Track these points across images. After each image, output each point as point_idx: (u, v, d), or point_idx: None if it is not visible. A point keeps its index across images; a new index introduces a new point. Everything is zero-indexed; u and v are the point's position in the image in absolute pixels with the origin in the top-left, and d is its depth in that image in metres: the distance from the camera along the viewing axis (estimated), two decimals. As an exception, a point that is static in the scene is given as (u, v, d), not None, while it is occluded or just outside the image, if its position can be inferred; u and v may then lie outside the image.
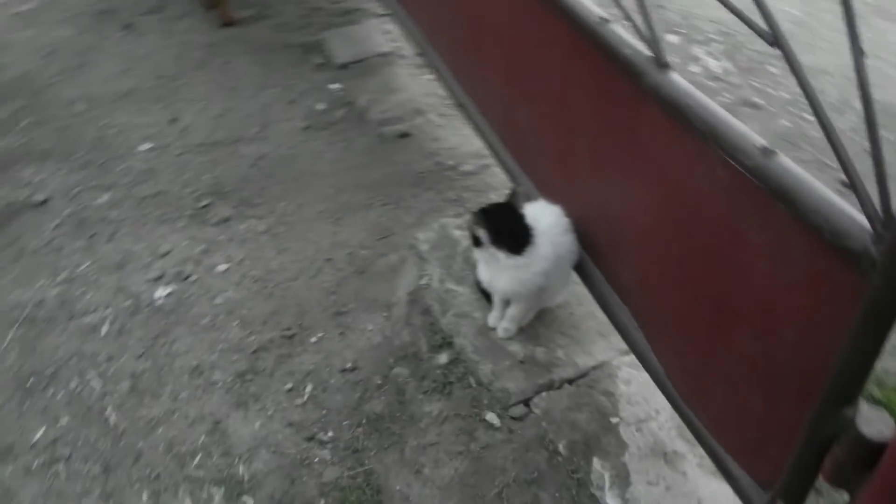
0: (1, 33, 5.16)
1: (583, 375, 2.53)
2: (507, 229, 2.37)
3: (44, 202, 3.77)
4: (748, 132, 1.59)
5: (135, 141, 4.12)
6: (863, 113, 1.20)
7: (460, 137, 3.74)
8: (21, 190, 3.88)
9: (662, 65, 1.81)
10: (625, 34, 1.97)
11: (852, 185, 1.31)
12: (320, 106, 4.17)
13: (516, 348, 2.63)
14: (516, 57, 2.71)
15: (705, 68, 4.61)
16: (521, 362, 2.59)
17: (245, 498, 2.39)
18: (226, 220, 3.51)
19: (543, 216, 2.44)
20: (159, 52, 4.85)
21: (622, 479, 2.23)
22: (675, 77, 1.79)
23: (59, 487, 2.51)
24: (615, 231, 2.33)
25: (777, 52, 1.40)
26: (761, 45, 1.62)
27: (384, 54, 4.61)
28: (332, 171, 3.71)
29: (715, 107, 1.68)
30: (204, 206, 3.61)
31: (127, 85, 4.57)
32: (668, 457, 2.27)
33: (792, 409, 1.62)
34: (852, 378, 1.43)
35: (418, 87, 4.24)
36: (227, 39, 4.91)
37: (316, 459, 2.46)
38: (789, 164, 1.50)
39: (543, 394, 2.50)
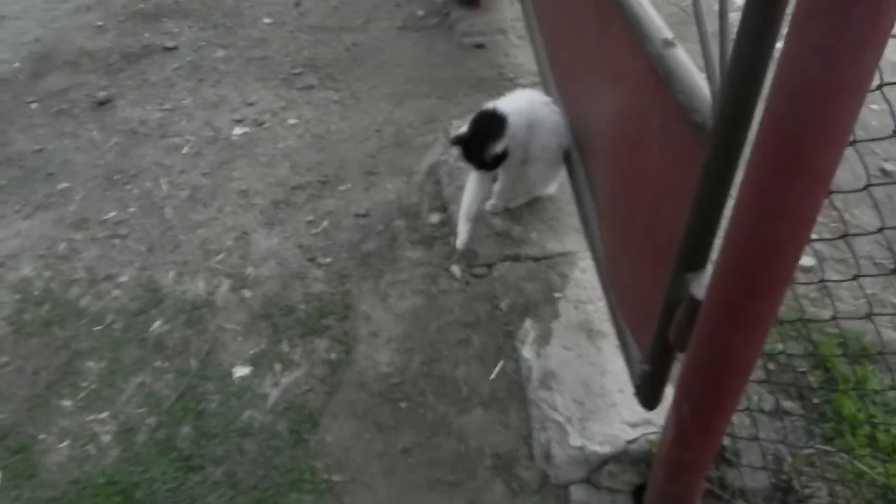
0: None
1: (547, 257, 2.61)
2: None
3: (173, 48, 4.07)
4: (660, 27, 1.64)
5: (260, 14, 4.37)
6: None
7: (527, 57, 3.80)
8: (159, 37, 4.19)
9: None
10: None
11: (706, 64, 1.36)
12: (420, 12, 4.30)
13: (497, 222, 2.73)
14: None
15: None
16: (497, 234, 2.69)
17: (245, 291, 2.61)
18: (309, 87, 3.71)
19: (521, 97, 2.59)
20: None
21: (543, 339, 2.32)
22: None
23: (111, 255, 2.80)
24: (593, 131, 2.39)
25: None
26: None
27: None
28: (408, 65, 3.85)
29: (646, 5, 1.73)
30: (296, 74, 3.82)
31: (269, -30, 4.80)
32: (591, 333, 2.34)
33: (665, 282, 1.69)
34: (695, 246, 1.49)
35: (511, 11, 4.30)
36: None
37: (310, 276, 2.66)
38: (681, 55, 1.54)
39: (507, 262, 2.60)
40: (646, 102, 1.73)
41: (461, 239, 2.61)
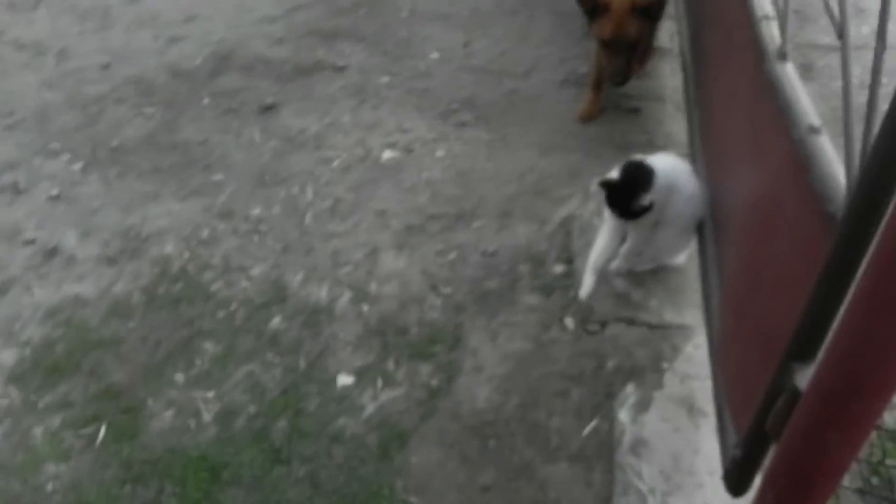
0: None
1: (662, 327, 2.60)
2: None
3: (342, 68, 4.31)
4: (808, 112, 1.64)
5: (429, 49, 4.56)
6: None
7: (679, 128, 3.80)
8: (332, 55, 4.45)
9: (782, 55, 1.88)
10: (773, 30, 2.02)
11: (846, 156, 1.36)
12: (582, 69, 4.37)
13: (619, 283, 2.74)
14: (725, 57, 2.77)
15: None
16: (617, 295, 2.70)
17: (363, 305, 2.73)
18: (463, 124, 3.84)
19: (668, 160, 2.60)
20: (485, -7, 5.24)
21: (642, 407, 2.32)
22: (783, 64, 1.85)
23: (248, 249, 2.99)
24: (729, 207, 2.38)
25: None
26: None
27: (662, 47, 4.68)
28: (561, 119, 3.92)
29: (794, 82, 1.74)
30: (452, 110, 3.96)
31: (447, 9, 4.99)
32: (692, 410, 2.32)
33: (771, 369, 1.67)
34: (807, 335, 1.47)
35: (672, 80, 4.31)
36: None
37: (428, 302, 2.75)
38: (823, 143, 1.54)
39: (621, 324, 2.61)
40: (782, 185, 1.73)
41: (585, 290, 2.64)
